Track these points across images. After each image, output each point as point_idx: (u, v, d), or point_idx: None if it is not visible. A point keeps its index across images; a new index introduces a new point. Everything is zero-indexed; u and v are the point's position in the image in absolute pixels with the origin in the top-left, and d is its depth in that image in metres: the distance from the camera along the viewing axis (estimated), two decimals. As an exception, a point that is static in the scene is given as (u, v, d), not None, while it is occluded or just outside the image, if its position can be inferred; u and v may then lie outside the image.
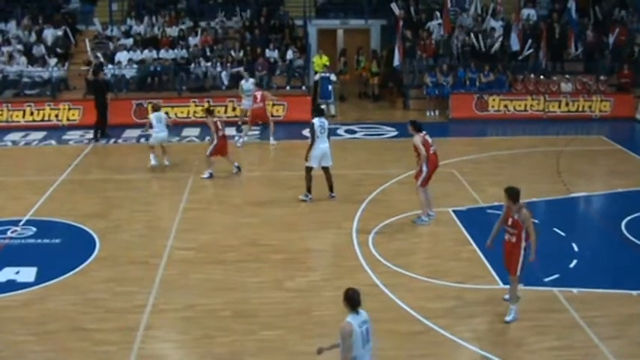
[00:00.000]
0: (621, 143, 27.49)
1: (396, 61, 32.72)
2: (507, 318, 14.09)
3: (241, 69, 31.01)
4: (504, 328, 14.00)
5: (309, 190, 20.64)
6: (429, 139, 18.82)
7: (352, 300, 10.29)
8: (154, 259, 16.98)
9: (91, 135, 28.43)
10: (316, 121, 20.38)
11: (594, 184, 22.80)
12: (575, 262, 16.84)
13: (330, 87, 31.55)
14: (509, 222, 13.99)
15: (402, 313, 14.52)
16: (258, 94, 27.39)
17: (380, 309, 14.50)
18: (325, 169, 20.71)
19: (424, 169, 18.68)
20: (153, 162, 23.77)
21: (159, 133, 23.77)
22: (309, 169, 20.51)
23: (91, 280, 16.02)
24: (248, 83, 28.58)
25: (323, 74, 31.67)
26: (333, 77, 32.07)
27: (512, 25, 33.67)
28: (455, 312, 14.59)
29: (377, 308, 14.52)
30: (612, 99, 32.08)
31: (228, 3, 36.40)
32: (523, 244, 13.84)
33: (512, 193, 13.95)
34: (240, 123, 28.89)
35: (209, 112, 23.26)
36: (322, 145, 20.35)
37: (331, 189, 20.81)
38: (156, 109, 24.78)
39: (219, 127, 22.57)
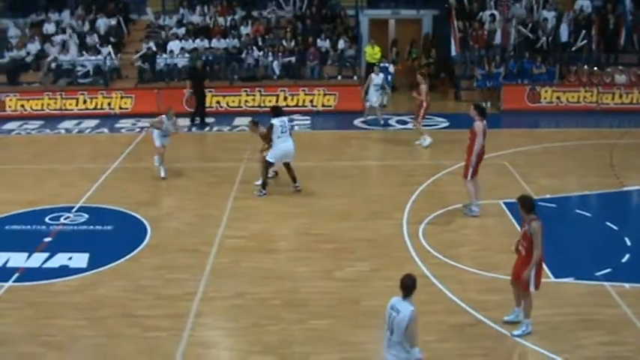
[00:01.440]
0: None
1: (454, 52, 32.54)
2: (516, 332, 13.43)
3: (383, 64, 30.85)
4: (555, 321, 13.89)
5: (264, 185, 20.70)
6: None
7: (401, 285, 10.48)
8: (205, 247, 17.10)
9: (142, 124, 28.65)
10: (276, 121, 20.27)
11: (648, 178, 22.53)
12: (627, 256, 16.64)
13: (389, 77, 31.48)
14: (521, 233, 13.35)
15: (452, 305, 14.48)
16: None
17: (430, 301, 14.50)
18: (286, 164, 20.74)
19: (473, 160, 18.49)
20: (163, 174, 22.37)
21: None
22: (268, 164, 20.55)
23: (142, 267, 16.19)
24: (378, 77, 28.05)
25: (382, 64, 31.59)
26: (391, 68, 32.03)
27: (564, 16, 33.33)
28: (505, 305, 14.48)
29: (427, 300, 14.53)
30: (668, 91, 31.61)
31: (280, -8, 36.48)
32: (525, 275, 13.04)
33: (525, 202, 13.33)
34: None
35: (255, 124, 21.59)
36: (283, 145, 20.29)
37: (294, 180, 20.79)
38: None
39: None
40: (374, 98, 27.88)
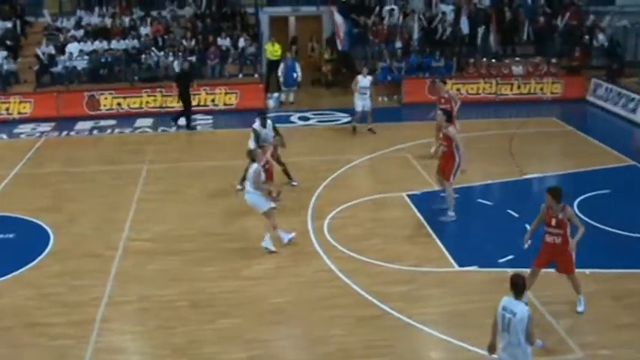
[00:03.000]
0: (573, 124, 27.76)
1: (340, 46, 32.91)
2: (579, 308, 14.06)
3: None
4: (460, 310, 14.13)
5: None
6: None
7: (512, 284, 10.48)
8: (109, 251, 16.90)
9: (42, 128, 28.17)
10: None
11: (547, 166, 22.95)
12: (529, 242, 16.94)
13: (295, 74, 31.47)
14: (553, 222, 13.70)
15: (358, 297, 14.59)
16: (446, 96, 23.62)
17: (336, 295, 14.64)
18: None
19: (457, 161, 18.42)
20: None
21: None
22: None
23: (45, 275, 15.91)
24: (365, 79, 26.33)
25: (289, 61, 31.59)
26: (297, 67, 31.93)
27: (462, 9, 33.86)
28: (410, 295, 14.70)
29: (333, 294, 14.69)
30: (563, 81, 32.37)
31: (179, -9, 36.24)
32: (571, 244, 13.55)
33: (557, 194, 13.70)
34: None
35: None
36: None
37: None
38: None
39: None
40: (359, 102, 26.23)
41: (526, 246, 14.08)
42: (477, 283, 15.21)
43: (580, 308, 14.09)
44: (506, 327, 10.32)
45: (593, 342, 13.13)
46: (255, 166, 16.59)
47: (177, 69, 30.21)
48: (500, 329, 10.44)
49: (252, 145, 19.54)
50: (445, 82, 24.56)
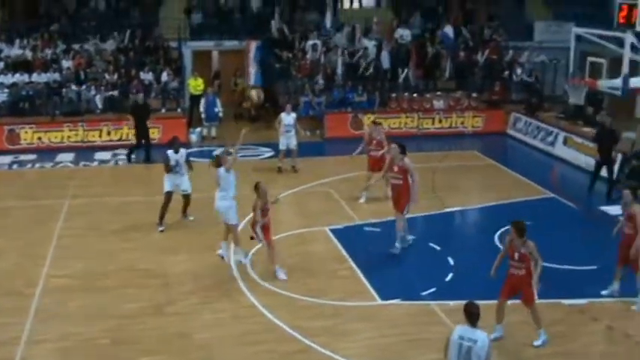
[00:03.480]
0: (494, 158, 28.21)
1: (252, 81, 33.22)
2: (536, 342, 14.25)
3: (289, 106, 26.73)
4: (384, 343, 14.21)
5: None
6: None
7: (468, 313, 10.64)
8: (29, 289, 16.59)
9: None
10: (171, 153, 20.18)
11: (468, 198, 23.28)
12: (451, 275, 17.20)
13: (216, 109, 31.40)
14: (516, 256, 13.97)
15: (282, 333, 14.57)
16: (378, 138, 22.92)
17: (260, 330, 14.63)
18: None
19: (413, 193, 18.64)
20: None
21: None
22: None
23: (-37, 314, 15.59)
24: (289, 117, 25.71)
25: (210, 96, 31.53)
26: (218, 102, 31.79)
27: (384, 44, 34.25)
28: (334, 329, 14.73)
29: (257, 330, 14.66)
30: (484, 115, 32.94)
31: (101, 25, 35.95)
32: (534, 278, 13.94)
33: (520, 228, 13.92)
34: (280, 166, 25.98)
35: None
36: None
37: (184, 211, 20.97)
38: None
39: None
40: (284, 141, 25.67)
41: (492, 273, 14.41)
42: (400, 316, 15.33)
43: (537, 342, 14.27)
44: (464, 355, 10.43)
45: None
46: (221, 170, 17.29)
47: (133, 101, 29.75)
48: (455, 358, 10.51)
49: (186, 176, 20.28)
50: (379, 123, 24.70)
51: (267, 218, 17.13)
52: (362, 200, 22.24)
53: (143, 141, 27.74)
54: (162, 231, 20.10)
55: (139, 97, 29.09)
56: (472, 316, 10.59)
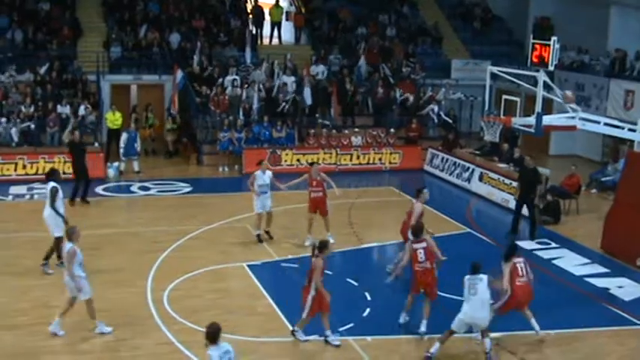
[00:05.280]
0: (410, 193, 28.28)
1: (174, 110, 33.17)
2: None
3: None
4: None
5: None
6: None
7: (209, 334, 11.59)
8: (-61, 328, 16.22)
9: None
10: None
11: (385, 234, 23.35)
12: (368, 310, 17.27)
13: (136, 144, 31.10)
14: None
15: (200, 371, 14.45)
16: (318, 179, 22.41)
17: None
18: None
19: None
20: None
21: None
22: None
23: None
24: (265, 176, 22.43)
25: (130, 131, 31.21)
26: (137, 137, 31.43)
27: (305, 80, 34.45)
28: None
29: (173, 367, 14.50)
30: (401, 151, 33.32)
31: (18, 57, 35.48)
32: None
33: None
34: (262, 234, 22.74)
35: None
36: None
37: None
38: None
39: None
40: (259, 203, 22.29)
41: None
42: (318, 352, 15.33)
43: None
44: None
45: None
46: (69, 245, 15.95)
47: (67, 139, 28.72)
48: None
49: (47, 211, 19.23)
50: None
51: None
52: (307, 243, 21.75)
53: (82, 178, 26.88)
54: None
55: (76, 134, 28.37)
56: (213, 335, 11.74)
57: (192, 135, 33.98)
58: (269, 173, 22.54)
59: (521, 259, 16.37)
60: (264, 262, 20.47)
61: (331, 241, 21.03)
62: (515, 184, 25.74)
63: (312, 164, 23.54)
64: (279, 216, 23.41)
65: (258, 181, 22.14)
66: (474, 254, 18.73)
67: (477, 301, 15.12)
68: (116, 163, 30.75)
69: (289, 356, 15.19)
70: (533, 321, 16.13)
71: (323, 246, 15.69)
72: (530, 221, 23.97)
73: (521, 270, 16.20)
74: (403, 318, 16.59)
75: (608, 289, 19.98)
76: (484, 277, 15.25)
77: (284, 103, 33.93)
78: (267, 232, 22.48)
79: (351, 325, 16.42)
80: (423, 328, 16.25)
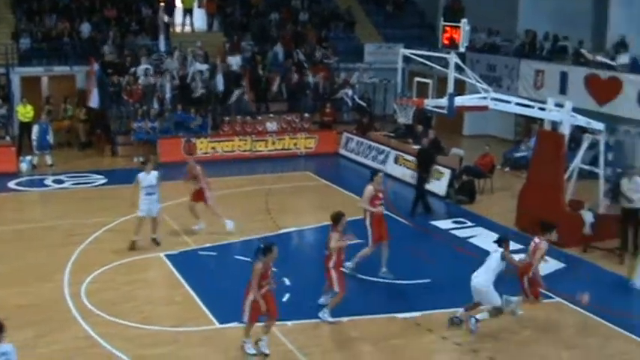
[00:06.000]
0: (326, 178, 28.59)
1: (92, 103, 32.58)
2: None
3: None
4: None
5: None
6: None
7: None
8: None
9: None
10: None
11: (302, 219, 23.48)
12: (287, 295, 17.28)
13: (48, 137, 30.51)
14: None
15: (120, 363, 14.35)
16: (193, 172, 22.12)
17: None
18: None
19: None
20: None
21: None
22: None
23: None
24: (151, 176, 20.62)
25: (43, 124, 30.60)
26: (49, 129, 30.86)
27: (218, 67, 34.26)
28: (173, 356, 14.66)
29: (92, 360, 14.36)
30: (316, 136, 33.37)
31: None
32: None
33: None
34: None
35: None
36: None
37: None
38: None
39: None
40: (144, 207, 20.44)
41: None
42: (238, 339, 15.28)
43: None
44: None
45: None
46: None
47: None
48: None
49: None
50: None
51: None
52: (196, 227, 22.04)
53: None
54: None
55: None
56: None
57: (105, 126, 33.54)
58: (155, 173, 20.68)
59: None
60: (181, 251, 20.34)
61: (197, 228, 21.93)
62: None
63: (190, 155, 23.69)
64: (198, 205, 23.28)
65: (142, 183, 20.38)
66: (390, 235, 19.00)
67: (483, 267, 15.89)
68: (29, 157, 30.20)
69: (209, 345, 15.13)
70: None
71: (266, 249, 14.45)
72: (414, 200, 24.22)
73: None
74: (325, 299, 16.64)
75: (523, 265, 20.36)
76: (499, 250, 15.84)
77: (197, 91, 33.65)
78: (153, 240, 20.76)
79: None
80: (322, 300, 16.59)
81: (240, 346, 14.71)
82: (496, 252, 15.84)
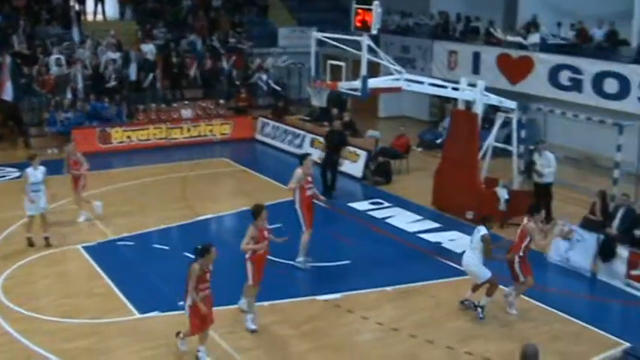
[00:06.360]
0: (243, 163, 28.57)
1: (6, 96, 31.88)
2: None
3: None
4: (144, 356, 14.23)
5: None
6: None
7: None
8: None
9: None
10: None
11: (220, 205, 23.37)
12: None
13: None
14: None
15: (41, 359, 14.15)
16: (74, 159, 21.84)
17: (15, 358, 14.12)
18: None
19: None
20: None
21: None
22: None
23: None
24: (37, 172, 19.80)
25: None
26: None
27: (132, 55, 33.92)
28: (94, 349, 14.52)
29: (12, 357, 14.15)
30: (232, 122, 33.25)
31: None
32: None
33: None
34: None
35: None
36: None
37: None
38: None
39: None
40: (31, 204, 19.77)
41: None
42: (159, 328, 15.26)
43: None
44: None
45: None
46: None
47: None
48: None
49: None
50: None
51: None
52: (80, 219, 21.78)
53: None
54: None
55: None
56: None
57: (18, 118, 32.92)
58: (42, 169, 19.88)
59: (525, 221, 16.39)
60: (99, 242, 20.13)
61: (82, 219, 21.70)
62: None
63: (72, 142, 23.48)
64: (111, 194, 23.14)
65: (30, 179, 19.66)
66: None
67: (468, 246, 16.13)
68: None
69: (130, 335, 15.04)
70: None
71: (203, 250, 13.65)
72: (331, 182, 24.36)
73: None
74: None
75: (440, 243, 20.72)
76: (482, 229, 15.85)
77: (110, 80, 33.25)
78: (45, 239, 19.92)
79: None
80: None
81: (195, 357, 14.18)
82: (479, 232, 15.92)
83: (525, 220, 16.24)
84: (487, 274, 15.93)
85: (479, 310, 16.06)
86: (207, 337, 14.14)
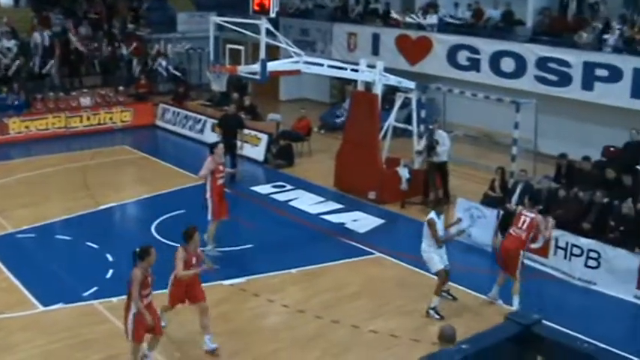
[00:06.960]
0: (144, 150, 28.33)
1: None
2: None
3: None
4: (50, 349, 14.02)
5: None
6: None
7: None
8: None
9: None
10: None
11: (122, 194, 23.13)
12: (111, 271, 17.13)
13: None
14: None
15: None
16: None
17: None
18: None
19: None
20: None
21: None
22: None
23: None
24: None
25: None
26: None
27: (27, 44, 33.28)
28: (-3, 344, 14.32)
29: None
30: (132, 109, 32.83)
31: None
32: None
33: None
34: None
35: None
36: None
37: None
38: None
39: None
40: None
41: None
42: (64, 320, 15.10)
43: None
44: None
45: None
46: None
47: None
48: None
49: None
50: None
51: None
52: None
53: None
54: None
55: None
56: None
57: None
58: None
59: (530, 213, 16.10)
60: (-2, 235, 19.85)
61: None
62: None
63: None
64: (11, 186, 22.77)
65: None
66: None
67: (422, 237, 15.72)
68: None
69: (34, 329, 14.83)
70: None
71: (143, 253, 12.82)
72: (231, 166, 24.20)
73: (522, 223, 16.02)
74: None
75: (343, 223, 20.92)
76: (430, 213, 15.60)
77: (9, 69, 32.55)
78: None
79: (95, 288, 16.21)
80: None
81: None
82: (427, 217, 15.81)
83: (533, 213, 16.00)
84: (434, 267, 15.60)
85: (431, 312, 15.56)
86: (155, 346, 13.41)
